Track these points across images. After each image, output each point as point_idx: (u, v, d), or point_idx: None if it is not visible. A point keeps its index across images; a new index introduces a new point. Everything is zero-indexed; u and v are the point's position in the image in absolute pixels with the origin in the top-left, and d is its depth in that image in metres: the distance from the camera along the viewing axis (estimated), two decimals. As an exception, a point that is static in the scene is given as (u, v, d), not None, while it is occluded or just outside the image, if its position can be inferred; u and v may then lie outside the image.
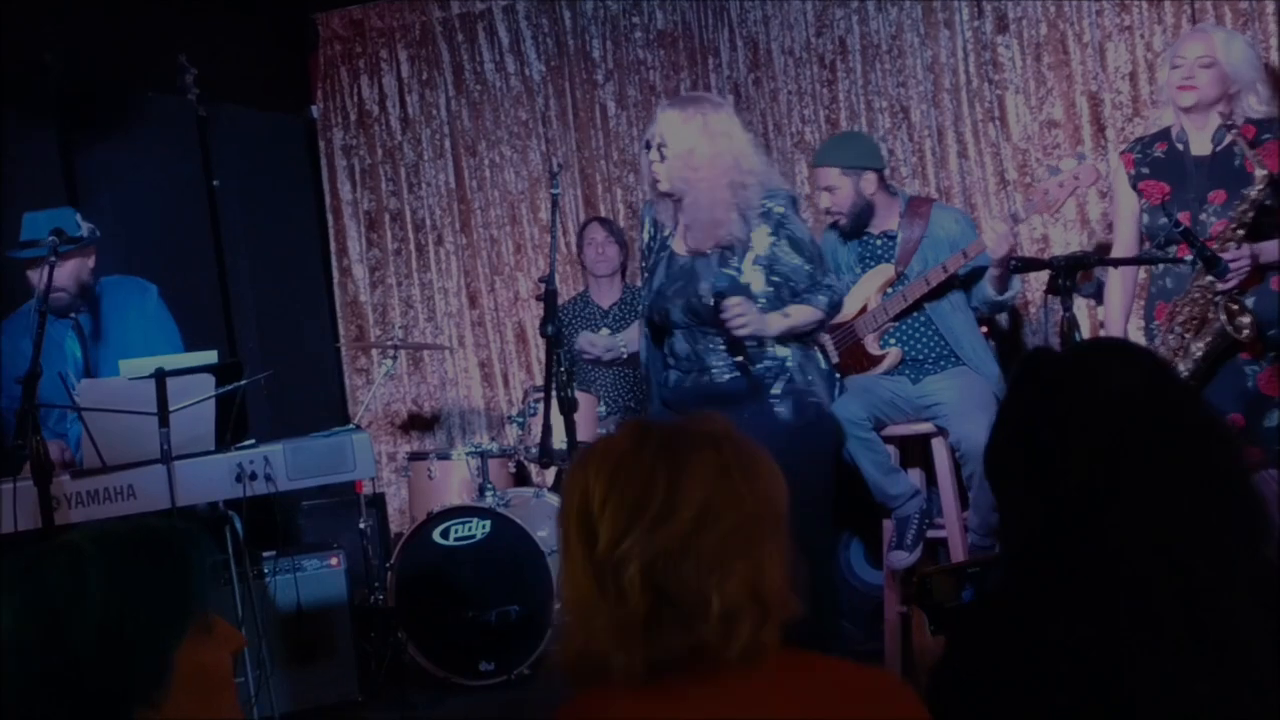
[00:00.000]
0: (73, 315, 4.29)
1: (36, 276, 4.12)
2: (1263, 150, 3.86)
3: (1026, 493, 1.61)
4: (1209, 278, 3.79)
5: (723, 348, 3.77)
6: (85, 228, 4.21)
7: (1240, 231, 3.78)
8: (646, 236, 3.99)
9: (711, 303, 3.67)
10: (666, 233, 3.90)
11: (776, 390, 3.76)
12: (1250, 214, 3.79)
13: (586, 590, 1.47)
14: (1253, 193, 3.78)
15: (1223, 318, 3.76)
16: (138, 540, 1.51)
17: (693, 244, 3.83)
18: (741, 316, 3.62)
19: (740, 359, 3.76)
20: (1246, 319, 3.76)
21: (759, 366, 3.76)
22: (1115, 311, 4.19)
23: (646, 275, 3.97)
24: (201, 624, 1.49)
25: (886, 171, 4.70)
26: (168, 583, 1.48)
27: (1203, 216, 3.87)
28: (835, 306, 3.90)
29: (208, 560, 1.53)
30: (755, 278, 3.73)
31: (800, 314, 3.77)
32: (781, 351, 3.77)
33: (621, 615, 1.42)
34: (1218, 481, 1.56)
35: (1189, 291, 3.87)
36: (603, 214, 5.95)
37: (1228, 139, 3.85)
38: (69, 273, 4.20)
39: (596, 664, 1.44)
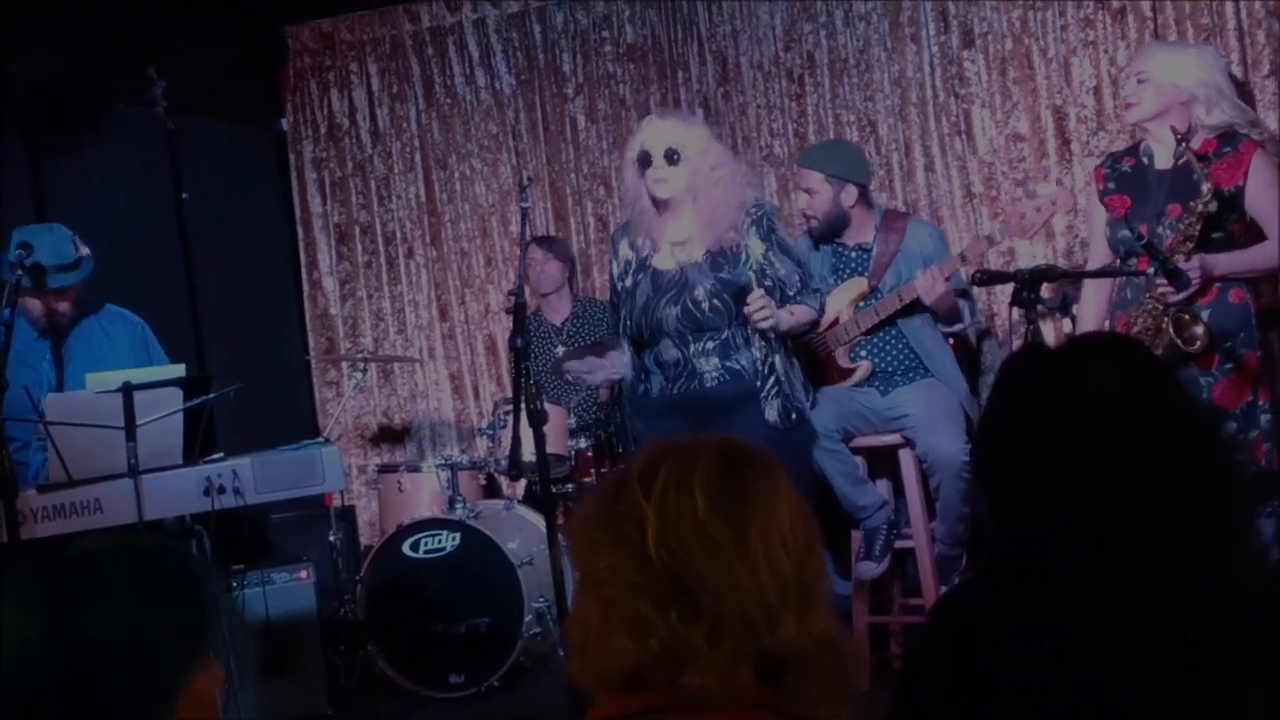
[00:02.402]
0: (51, 337, 4.26)
1: (25, 303, 4.07)
2: (1223, 163, 3.92)
3: (1012, 488, 1.62)
4: (1161, 289, 3.84)
5: (714, 353, 3.83)
6: (82, 250, 4.15)
7: (1188, 244, 3.82)
8: (620, 266, 4.03)
9: (732, 292, 3.77)
10: (645, 253, 3.95)
11: (765, 394, 3.85)
12: (1197, 225, 3.82)
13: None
14: (1199, 205, 3.82)
15: (1170, 331, 3.80)
16: (165, 564, 1.53)
17: (688, 253, 3.90)
18: (765, 309, 3.73)
19: (730, 363, 3.83)
20: (1199, 329, 3.80)
21: (749, 368, 3.82)
22: (1089, 323, 4.25)
23: (625, 297, 3.99)
24: (207, 657, 1.51)
25: (871, 186, 4.73)
26: (190, 610, 1.50)
27: (1160, 229, 3.92)
28: (823, 310, 4.10)
29: (219, 592, 1.55)
30: (752, 282, 3.84)
31: (801, 314, 3.94)
32: (769, 354, 3.86)
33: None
34: (1204, 477, 1.57)
35: (1143, 303, 3.93)
36: (572, 226, 5.97)
37: (1180, 153, 3.89)
38: (65, 302, 4.18)
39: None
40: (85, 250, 4.18)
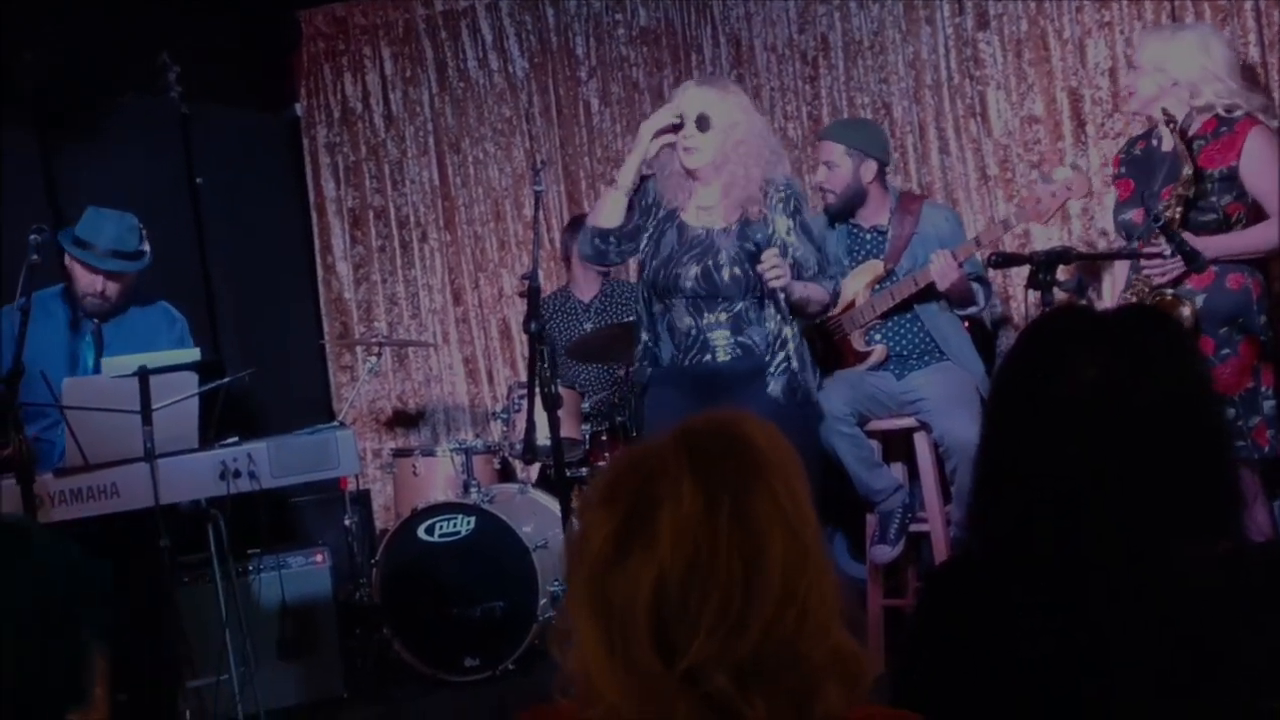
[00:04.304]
0: (96, 321, 4.36)
1: (75, 273, 4.31)
2: (1218, 143, 3.89)
3: (1002, 473, 1.62)
4: (1146, 270, 3.84)
5: (726, 325, 3.82)
6: (145, 245, 4.33)
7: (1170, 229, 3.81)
8: (650, 206, 3.98)
9: (748, 258, 3.77)
10: (674, 206, 3.93)
11: (773, 370, 3.83)
12: (1178, 209, 3.80)
13: (659, 700, 1.24)
14: (1178, 188, 3.81)
15: None
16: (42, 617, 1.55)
17: (712, 219, 3.89)
18: (778, 268, 3.72)
19: (742, 338, 3.82)
20: (1185, 310, 3.77)
21: (761, 343, 3.81)
22: (1107, 302, 4.26)
23: (649, 243, 3.95)
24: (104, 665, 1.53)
25: (890, 167, 4.71)
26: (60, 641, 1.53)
27: (1156, 212, 3.89)
28: (836, 296, 4.08)
29: (101, 618, 1.58)
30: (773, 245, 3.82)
31: (815, 291, 3.91)
32: (782, 327, 3.84)
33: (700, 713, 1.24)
34: (1192, 462, 1.56)
35: (1131, 284, 3.92)
36: (586, 210, 5.95)
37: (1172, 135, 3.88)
38: (114, 288, 4.32)
39: None
40: (147, 246, 4.34)
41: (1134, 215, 3.92)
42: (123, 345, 4.30)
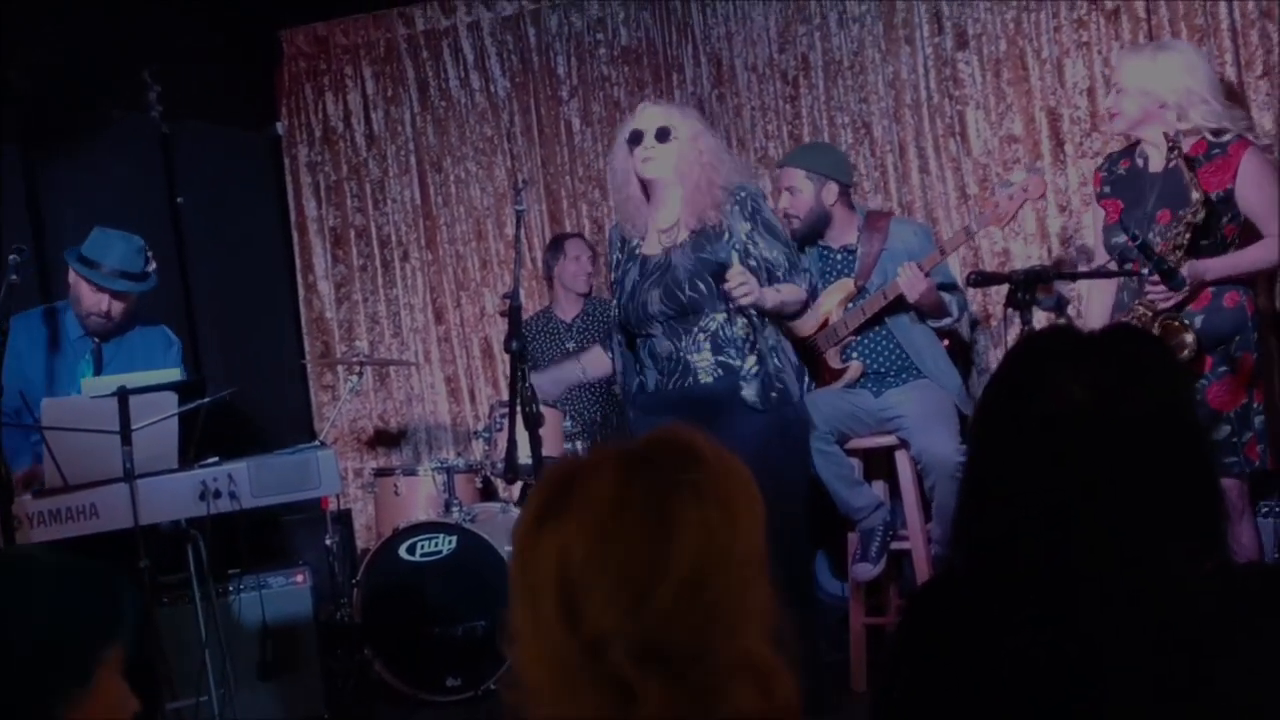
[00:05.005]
0: (96, 340, 4.40)
1: (80, 291, 4.36)
2: (1212, 165, 3.89)
3: (986, 495, 1.63)
4: (1150, 295, 3.84)
5: (705, 346, 3.82)
6: (150, 266, 4.39)
7: (1178, 253, 3.80)
8: (616, 253, 4.06)
9: (711, 271, 3.78)
10: (634, 243, 3.96)
11: (745, 374, 3.82)
12: (1186, 235, 3.80)
13: (564, 671, 1.27)
14: (1187, 215, 3.80)
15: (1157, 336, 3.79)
16: (82, 561, 1.62)
17: (670, 238, 3.91)
18: (745, 285, 3.72)
19: (722, 357, 3.81)
20: (1188, 336, 3.77)
21: (740, 355, 3.81)
22: (1094, 323, 4.24)
23: (616, 288, 4.02)
24: (119, 657, 1.57)
25: (852, 188, 4.74)
26: (103, 594, 1.59)
27: (1151, 235, 3.89)
28: (814, 292, 4.11)
29: (135, 603, 1.62)
30: (733, 259, 3.81)
31: (789, 292, 3.90)
32: (751, 334, 3.84)
33: (603, 698, 1.26)
34: (1176, 483, 1.56)
35: (1132, 309, 3.91)
36: (568, 229, 5.97)
37: (1171, 159, 3.88)
38: (119, 308, 4.38)
39: None
40: (153, 267, 4.40)
41: (1127, 239, 3.92)
42: (121, 365, 4.33)
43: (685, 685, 1.26)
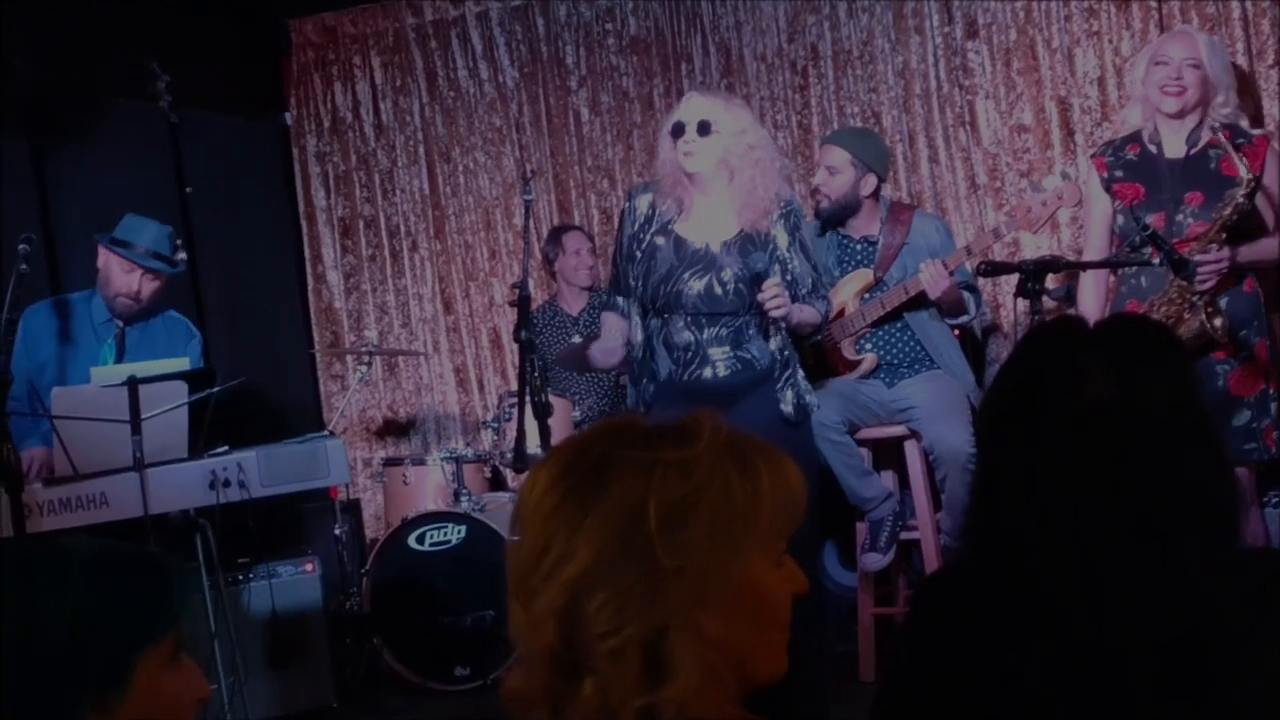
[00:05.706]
0: (120, 325, 4.43)
1: (110, 272, 4.41)
2: (1241, 154, 3.91)
3: (1008, 483, 1.62)
4: (1199, 278, 3.84)
5: (726, 341, 3.78)
6: (180, 254, 4.48)
7: (1224, 234, 3.82)
8: (637, 221, 3.89)
9: (749, 279, 3.71)
10: (669, 217, 3.84)
11: (781, 385, 3.79)
12: (1234, 217, 3.82)
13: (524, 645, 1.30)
14: (1239, 195, 3.81)
15: (1202, 317, 3.81)
16: (129, 551, 1.54)
17: (714, 233, 3.80)
18: (780, 297, 3.66)
19: (741, 352, 3.79)
20: (1220, 321, 3.81)
21: (761, 357, 3.78)
22: (1089, 314, 4.22)
23: (641, 257, 3.85)
24: (170, 648, 1.48)
25: (885, 185, 4.72)
26: (144, 590, 1.49)
27: (1179, 218, 3.90)
28: (827, 316, 4.02)
29: (189, 587, 1.55)
30: (775, 271, 3.77)
31: (809, 313, 3.86)
32: (784, 346, 3.81)
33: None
34: (1194, 481, 1.55)
35: (1166, 291, 3.91)
36: (576, 220, 5.96)
37: (1203, 141, 3.89)
38: (149, 289, 4.43)
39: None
40: (183, 256, 4.48)
41: (1152, 221, 3.91)
42: (144, 352, 4.34)
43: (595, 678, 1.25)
